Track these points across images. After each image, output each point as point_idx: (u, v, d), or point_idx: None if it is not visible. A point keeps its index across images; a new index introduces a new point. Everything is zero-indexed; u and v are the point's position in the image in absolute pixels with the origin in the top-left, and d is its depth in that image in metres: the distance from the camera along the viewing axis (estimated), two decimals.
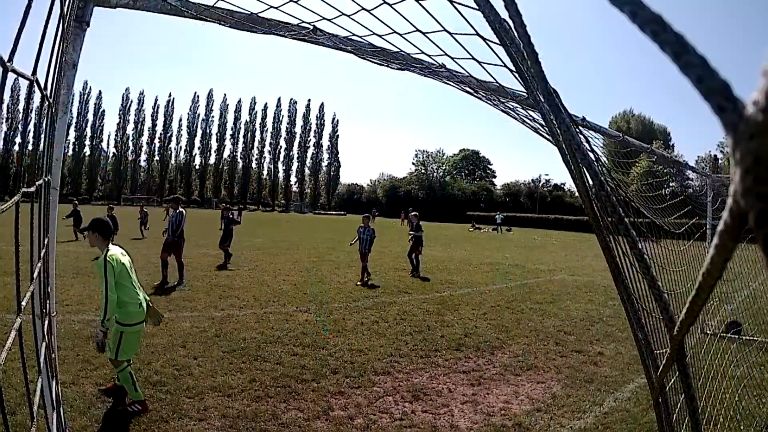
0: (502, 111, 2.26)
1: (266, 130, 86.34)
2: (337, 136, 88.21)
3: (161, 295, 7.90)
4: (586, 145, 1.58)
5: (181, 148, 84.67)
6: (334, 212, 74.33)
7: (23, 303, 0.78)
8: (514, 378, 4.94)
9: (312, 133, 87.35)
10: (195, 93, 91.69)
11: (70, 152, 75.26)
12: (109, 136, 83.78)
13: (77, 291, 7.86)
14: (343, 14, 1.44)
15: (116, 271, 3.67)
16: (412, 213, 13.64)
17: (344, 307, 7.81)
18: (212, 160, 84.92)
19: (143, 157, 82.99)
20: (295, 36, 1.79)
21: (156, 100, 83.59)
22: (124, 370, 3.76)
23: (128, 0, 1.57)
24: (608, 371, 5.20)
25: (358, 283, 10.06)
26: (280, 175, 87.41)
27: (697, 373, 4.32)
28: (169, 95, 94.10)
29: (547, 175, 76.83)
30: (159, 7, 1.59)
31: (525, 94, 1.85)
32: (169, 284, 8.77)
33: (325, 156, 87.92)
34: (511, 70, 1.26)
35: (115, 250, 3.82)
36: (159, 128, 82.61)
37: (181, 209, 9.64)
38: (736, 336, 6.23)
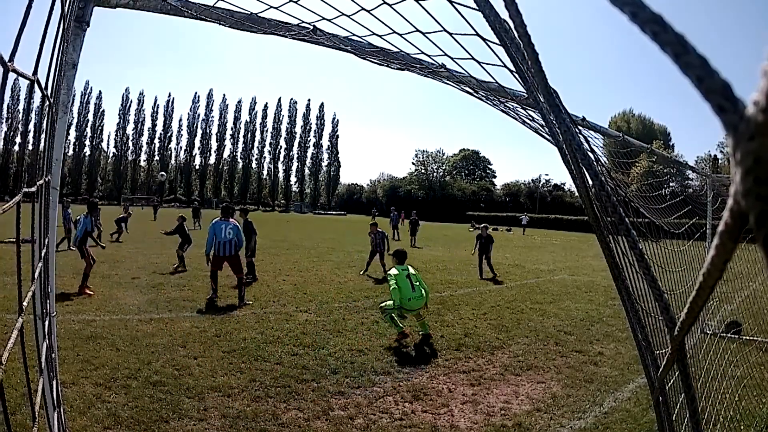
0: (502, 111, 2.26)
1: (266, 130, 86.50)
2: (337, 136, 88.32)
3: (160, 296, 7.91)
4: (586, 145, 1.58)
5: (181, 148, 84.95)
6: (334, 212, 74.33)
7: (24, 303, 0.79)
8: (514, 378, 4.94)
9: (312, 133, 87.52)
10: (195, 93, 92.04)
11: (70, 152, 75.34)
12: (109, 136, 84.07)
13: (77, 291, 7.87)
14: (343, 14, 1.44)
15: (395, 279, 5.88)
16: (482, 225, 13.01)
17: (344, 307, 7.81)
18: (212, 160, 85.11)
19: (143, 157, 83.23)
20: (295, 36, 1.79)
21: (156, 100, 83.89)
22: (386, 314, 5.92)
23: (128, 0, 1.57)
24: (608, 371, 5.20)
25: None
26: (280, 175, 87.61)
27: (697, 373, 4.32)
28: (169, 95, 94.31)
29: (547, 175, 77.04)
30: (159, 7, 1.59)
31: (525, 94, 1.85)
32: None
33: (325, 156, 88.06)
34: (511, 70, 1.26)
35: (393, 269, 6.05)
36: (159, 128, 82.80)
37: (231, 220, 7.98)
38: (736, 336, 6.23)
